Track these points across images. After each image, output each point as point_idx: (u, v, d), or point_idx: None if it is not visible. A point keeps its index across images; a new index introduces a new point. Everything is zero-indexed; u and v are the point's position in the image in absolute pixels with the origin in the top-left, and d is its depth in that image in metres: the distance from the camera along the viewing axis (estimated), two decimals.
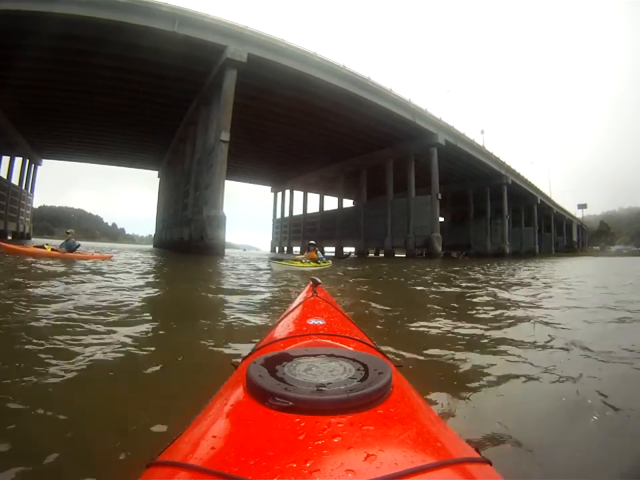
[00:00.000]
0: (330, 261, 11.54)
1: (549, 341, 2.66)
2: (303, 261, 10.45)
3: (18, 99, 28.33)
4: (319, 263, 10.60)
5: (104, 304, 3.53)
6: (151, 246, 49.30)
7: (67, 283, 5.07)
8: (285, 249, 58.49)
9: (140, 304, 3.81)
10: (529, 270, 14.48)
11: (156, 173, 52.18)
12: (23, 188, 43.96)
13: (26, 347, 2.09)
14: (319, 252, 11.01)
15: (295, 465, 0.40)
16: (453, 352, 2.35)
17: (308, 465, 0.40)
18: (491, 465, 0.49)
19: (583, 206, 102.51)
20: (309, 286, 1.67)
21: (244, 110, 25.03)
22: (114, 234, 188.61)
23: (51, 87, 27.05)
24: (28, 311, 3.09)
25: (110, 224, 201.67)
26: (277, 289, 6.03)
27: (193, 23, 20.53)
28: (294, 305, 1.43)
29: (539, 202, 59.19)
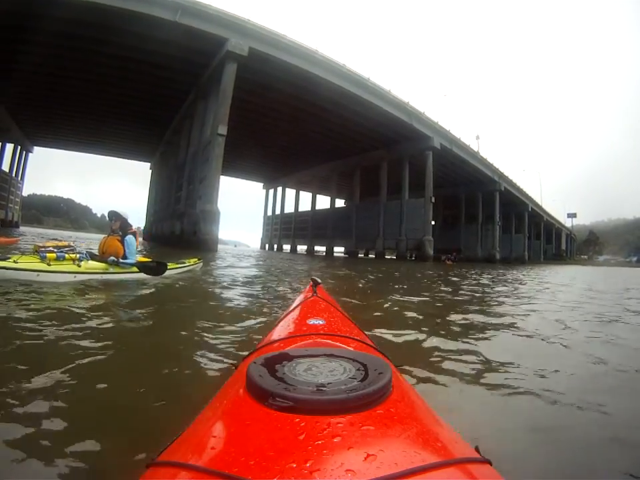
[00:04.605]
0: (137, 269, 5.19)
1: None
2: (57, 254, 4.32)
3: (12, 84, 27.80)
4: (122, 267, 4.96)
5: None
6: (141, 239, 48.75)
7: None
8: (275, 246, 58.32)
9: None
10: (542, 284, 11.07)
11: (147, 165, 51.68)
12: (13, 175, 43.16)
13: None
14: (130, 238, 5.09)
15: (294, 465, 0.40)
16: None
17: (308, 465, 0.40)
18: (491, 464, 0.49)
19: (572, 215, 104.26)
20: (308, 286, 1.68)
21: (240, 105, 24.86)
22: (103, 225, 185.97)
23: (46, 72, 26.47)
24: None
25: (99, 215, 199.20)
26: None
27: (196, 13, 20.27)
28: (294, 305, 1.44)
29: (529, 209, 59.78)
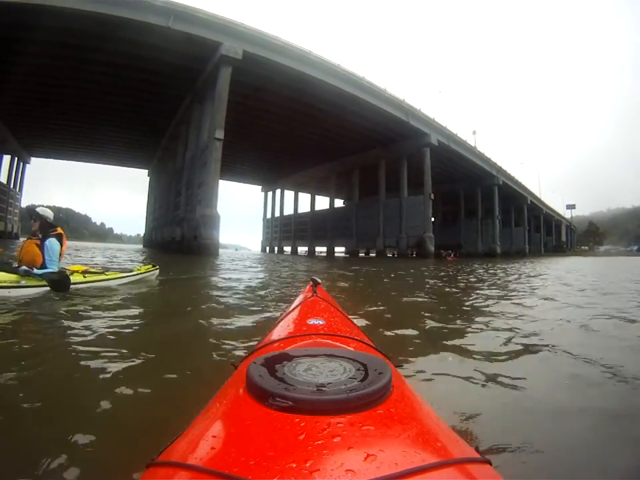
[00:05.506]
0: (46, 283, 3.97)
1: None
2: None
3: (7, 94, 27.83)
4: (36, 279, 3.93)
5: None
6: (141, 246, 48.91)
7: None
8: (276, 249, 58.39)
9: None
10: None
11: (145, 172, 51.80)
12: (11, 186, 43.22)
13: None
14: (51, 242, 4.09)
15: (294, 465, 0.40)
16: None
17: (308, 465, 0.40)
18: (490, 464, 0.49)
19: (571, 206, 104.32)
20: (308, 286, 1.68)
21: (236, 108, 24.91)
22: (102, 233, 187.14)
23: (40, 82, 26.58)
24: None
25: (98, 223, 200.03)
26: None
27: (188, 19, 20.38)
28: (294, 304, 1.44)
29: (529, 202, 59.89)
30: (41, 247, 4.05)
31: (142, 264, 6.29)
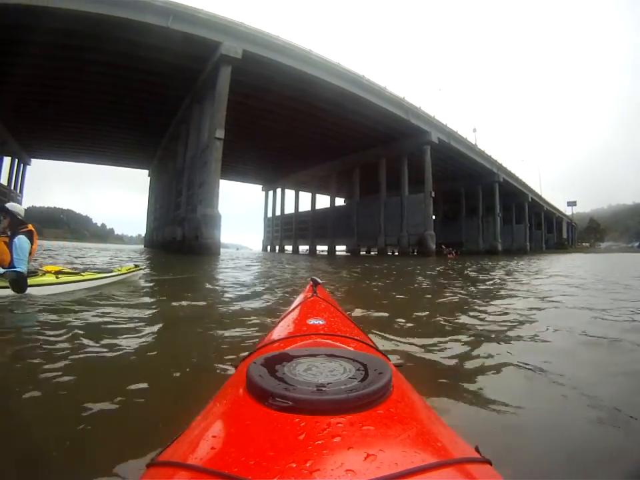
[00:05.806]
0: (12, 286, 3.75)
1: None
2: None
3: (7, 96, 27.82)
4: (1, 280, 3.72)
5: None
6: (142, 246, 48.99)
7: None
8: (277, 248, 58.44)
9: None
10: None
11: (145, 172, 51.79)
12: (12, 188, 43.22)
13: None
14: (20, 240, 3.82)
15: (294, 465, 0.40)
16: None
17: (308, 465, 0.40)
18: (491, 464, 0.49)
19: (572, 203, 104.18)
20: (308, 286, 1.67)
21: (237, 107, 24.87)
22: (103, 234, 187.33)
23: (42, 83, 26.55)
24: None
25: (99, 224, 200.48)
26: None
27: (187, 18, 20.29)
28: (294, 305, 1.43)
29: (529, 200, 59.72)
30: (9, 245, 3.78)
31: (139, 264, 6.15)
